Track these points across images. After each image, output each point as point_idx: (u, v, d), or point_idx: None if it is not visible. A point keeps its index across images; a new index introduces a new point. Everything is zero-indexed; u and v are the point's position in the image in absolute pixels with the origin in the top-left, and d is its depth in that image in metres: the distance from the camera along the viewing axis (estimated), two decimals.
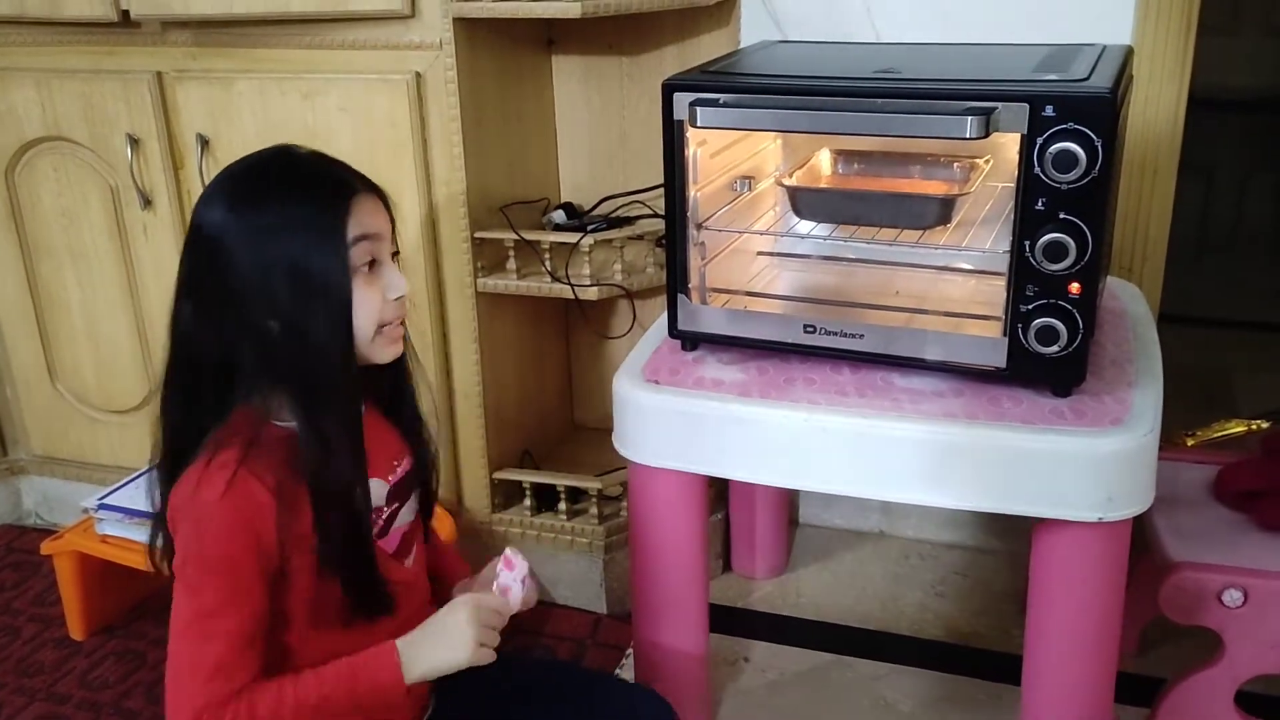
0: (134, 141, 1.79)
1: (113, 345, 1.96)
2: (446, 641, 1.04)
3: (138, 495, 1.76)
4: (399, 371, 1.15)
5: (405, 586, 1.13)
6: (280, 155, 1.08)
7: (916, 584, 1.92)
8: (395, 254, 1.10)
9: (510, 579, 1.11)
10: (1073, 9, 1.65)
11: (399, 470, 1.15)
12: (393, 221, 1.09)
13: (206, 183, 1.74)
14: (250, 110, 1.71)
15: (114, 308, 1.93)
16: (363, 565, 1.06)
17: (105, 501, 1.75)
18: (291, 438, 1.03)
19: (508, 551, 1.12)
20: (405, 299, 1.09)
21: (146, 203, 1.83)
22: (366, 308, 1.04)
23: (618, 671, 1.71)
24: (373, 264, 1.05)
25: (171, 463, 1.07)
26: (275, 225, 1.01)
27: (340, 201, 1.03)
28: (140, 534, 1.70)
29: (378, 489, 1.11)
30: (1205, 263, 3.46)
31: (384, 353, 1.08)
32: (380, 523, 1.12)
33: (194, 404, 1.05)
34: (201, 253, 1.04)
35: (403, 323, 1.10)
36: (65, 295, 1.95)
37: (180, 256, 1.07)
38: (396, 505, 1.14)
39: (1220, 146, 4.49)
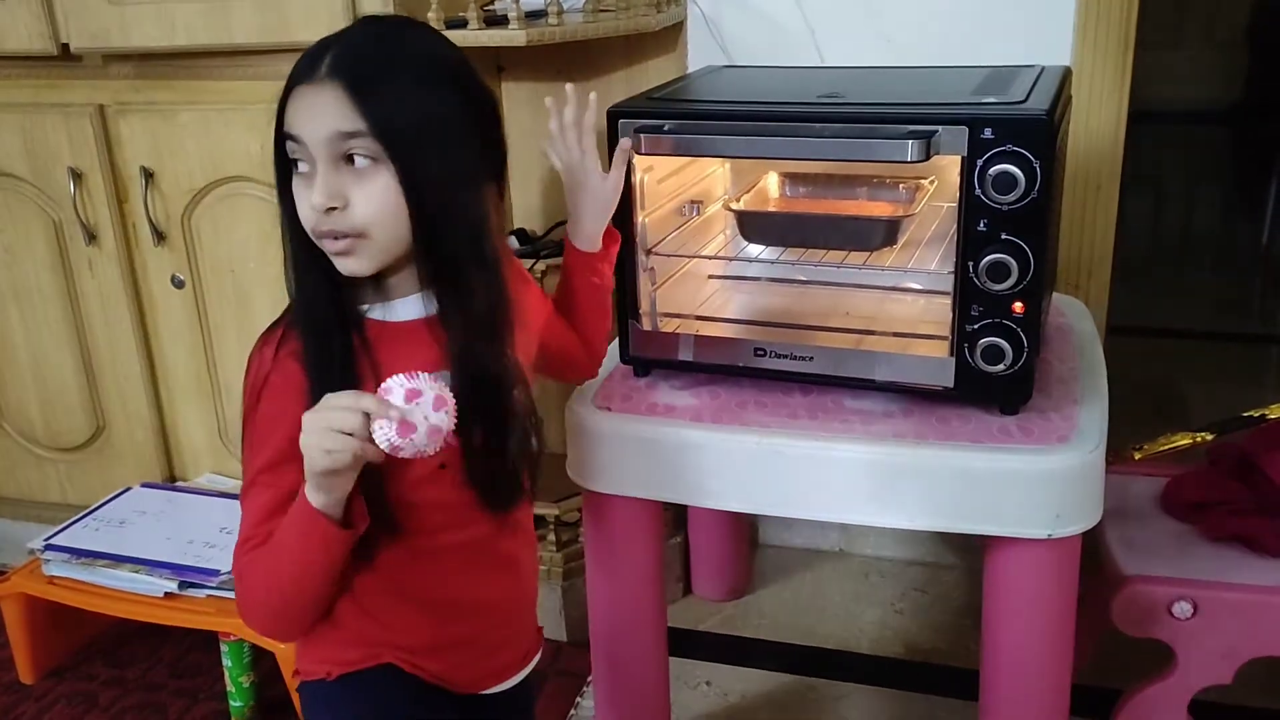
0: (77, 175, 1.77)
1: (59, 383, 1.92)
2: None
3: (85, 535, 1.73)
4: (448, 285, 0.98)
5: None
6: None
7: (876, 602, 1.92)
8: (376, 154, 0.92)
9: (397, 383, 0.88)
10: (1013, 30, 1.68)
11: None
12: (371, 119, 0.90)
13: (150, 214, 1.74)
14: (194, 141, 1.69)
15: (60, 344, 1.89)
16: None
17: (52, 542, 1.72)
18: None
19: (424, 377, 0.90)
20: (343, 213, 0.93)
21: (91, 237, 1.80)
22: (302, 210, 0.95)
23: (579, 699, 1.70)
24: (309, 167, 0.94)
25: None
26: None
27: (285, 89, 0.94)
28: (88, 574, 1.67)
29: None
30: (1155, 273, 3.51)
31: (336, 262, 0.96)
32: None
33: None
34: None
35: (348, 237, 0.94)
36: (9, 333, 1.92)
37: None
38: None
39: (1167, 158, 4.59)
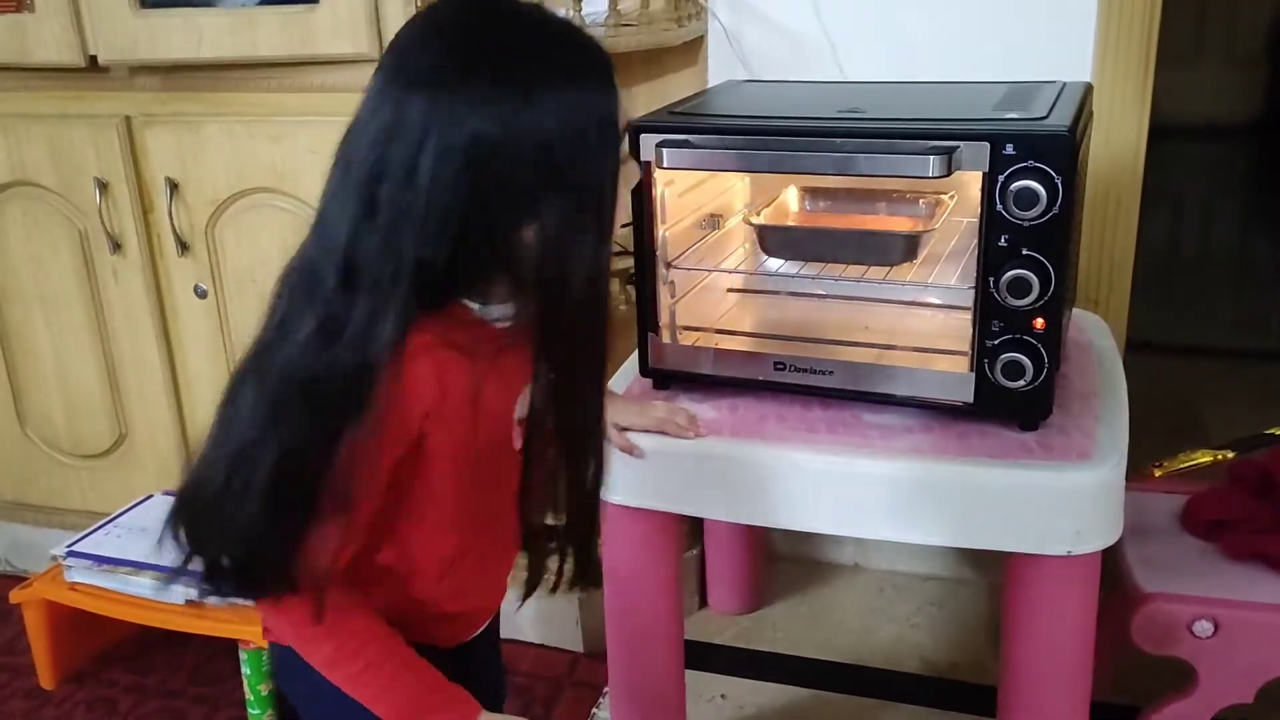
0: (103, 186, 1.79)
1: (83, 390, 1.94)
2: None
3: (107, 542, 1.75)
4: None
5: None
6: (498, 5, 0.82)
7: (892, 617, 1.92)
8: None
9: None
10: (1034, 46, 1.68)
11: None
12: None
13: (174, 224, 1.76)
14: (219, 153, 1.71)
15: (84, 353, 1.91)
16: (587, 529, 0.94)
17: (74, 548, 1.73)
18: (480, 321, 0.88)
19: None
20: None
21: (116, 247, 1.82)
22: (622, 199, 0.85)
23: (595, 711, 1.70)
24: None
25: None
26: (528, 108, 0.76)
27: (610, 80, 0.80)
28: (110, 581, 1.69)
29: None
30: (1175, 289, 3.50)
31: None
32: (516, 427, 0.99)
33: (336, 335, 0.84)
34: (403, 143, 0.77)
35: None
36: (34, 341, 1.94)
37: (349, 152, 0.81)
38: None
39: (1188, 173, 4.58)
